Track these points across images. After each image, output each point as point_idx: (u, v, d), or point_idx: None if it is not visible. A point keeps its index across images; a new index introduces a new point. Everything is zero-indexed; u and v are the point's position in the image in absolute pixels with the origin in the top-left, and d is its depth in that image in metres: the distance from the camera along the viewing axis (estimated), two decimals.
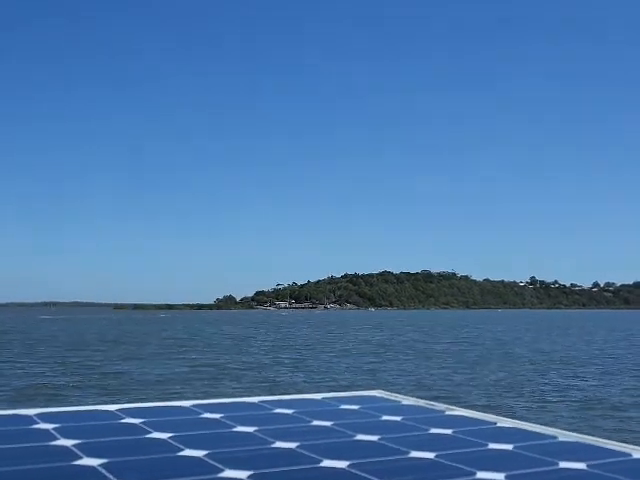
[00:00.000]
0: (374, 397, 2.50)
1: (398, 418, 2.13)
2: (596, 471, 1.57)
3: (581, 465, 1.62)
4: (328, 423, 2.03)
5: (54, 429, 1.91)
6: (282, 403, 2.35)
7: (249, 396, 2.49)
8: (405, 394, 2.58)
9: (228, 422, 2.04)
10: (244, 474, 1.50)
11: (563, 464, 1.63)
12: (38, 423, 1.98)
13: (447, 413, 2.23)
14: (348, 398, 2.46)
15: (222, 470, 1.53)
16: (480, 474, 1.54)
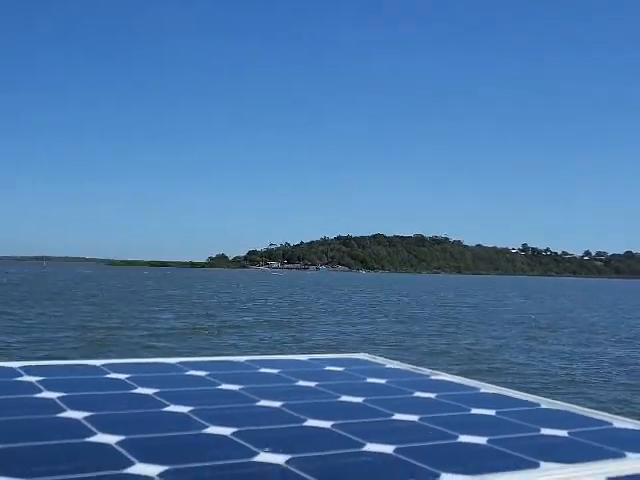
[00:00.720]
0: (359, 360, 2.50)
1: (382, 381, 2.13)
2: (577, 438, 1.58)
3: (562, 432, 1.62)
4: (312, 384, 2.03)
5: (38, 382, 1.90)
6: (267, 363, 2.34)
7: (234, 355, 2.49)
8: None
9: (213, 380, 2.03)
10: (228, 431, 1.50)
11: (545, 431, 1.63)
12: (22, 375, 1.97)
13: (431, 377, 2.24)
14: (333, 360, 2.46)
15: (206, 426, 1.53)
16: (462, 437, 1.54)
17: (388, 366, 2.40)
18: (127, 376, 2.03)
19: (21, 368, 2.07)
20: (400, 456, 1.38)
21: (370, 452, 1.40)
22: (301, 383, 2.04)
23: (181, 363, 2.28)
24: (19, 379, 1.93)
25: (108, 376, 2.02)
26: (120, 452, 1.33)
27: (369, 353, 2.64)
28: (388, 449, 1.42)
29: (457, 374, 2.34)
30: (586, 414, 1.82)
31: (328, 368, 2.30)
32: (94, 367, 2.16)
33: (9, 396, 1.73)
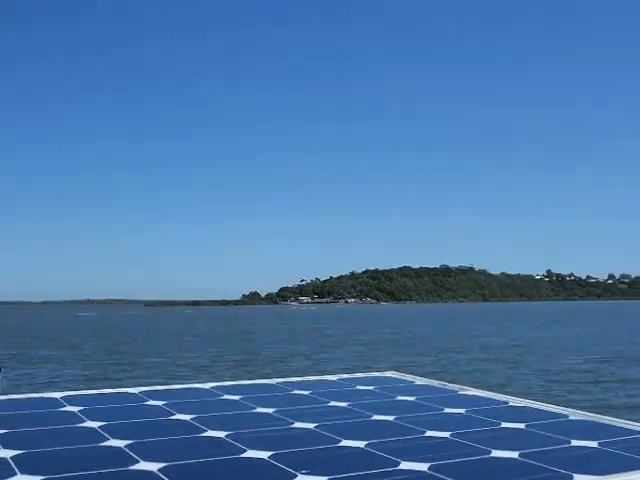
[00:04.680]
0: (388, 378, 2.47)
1: (412, 398, 2.10)
2: (607, 449, 1.54)
3: (593, 443, 1.59)
4: (345, 404, 2.01)
5: (80, 411, 1.89)
6: (299, 385, 2.32)
7: (266, 378, 2.47)
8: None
9: (248, 403, 2.01)
10: (265, 454, 1.48)
11: (575, 442, 1.60)
12: (64, 406, 1.97)
13: (460, 393, 2.20)
14: (363, 379, 2.44)
15: (244, 450, 1.51)
16: (495, 452, 1.51)
17: (417, 383, 2.37)
18: (164, 403, 2.01)
19: (63, 398, 2.07)
20: (435, 474, 1.35)
21: (405, 470, 1.38)
22: (333, 403, 2.01)
23: (215, 388, 2.27)
24: (62, 409, 1.92)
25: (146, 403, 2.01)
26: (162, 479, 1.31)
27: (397, 371, 2.61)
28: (423, 467, 1.40)
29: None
30: (614, 424, 1.78)
31: (358, 387, 2.27)
32: (132, 395, 2.15)
33: (53, 426, 1.72)
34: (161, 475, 1.33)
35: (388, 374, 2.55)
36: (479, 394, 2.18)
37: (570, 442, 1.60)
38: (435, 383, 2.37)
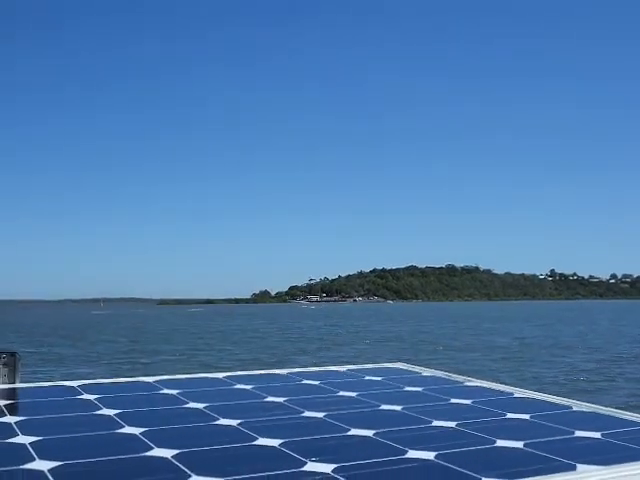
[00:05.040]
0: (396, 369, 2.50)
1: (419, 389, 2.13)
2: (610, 440, 1.57)
3: (596, 434, 1.61)
4: (353, 394, 2.04)
5: (96, 399, 1.94)
6: (309, 375, 2.36)
7: (277, 368, 2.51)
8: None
9: (259, 392, 2.05)
10: (276, 442, 1.52)
11: (579, 433, 1.63)
12: (82, 394, 2.01)
13: (466, 384, 2.23)
14: (371, 370, 2.47)
15: (256, 438, 1.55)
16: (500, 442, 1.54)
17: (424, 374, 2.40)
18: (178, 391, 2.06)
19: (80, 387, 2.11)
20: (441, 462, 1.39)
21: (412, 459, 1.41)
22: (342, 393, 2.05)
23: (228, 377, 2.31)
24: (79, 397, 1.97)
25: (161, 392, 2.06)
26: (177, 465, 1.35)
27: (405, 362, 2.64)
28: (429, 455, 1.43)
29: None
30: (617, 415, 1.81)
31: (367, 378, 2.31)
32: (147, 383, 2.19)
33: (71, 414, 1.77)
34: (174, 461, 1.37)
35: (396, 365, 2.58)
36: (485, 385, 2.21)
37: (574, 433, 1.63)
38: (441, 374, 2.40)
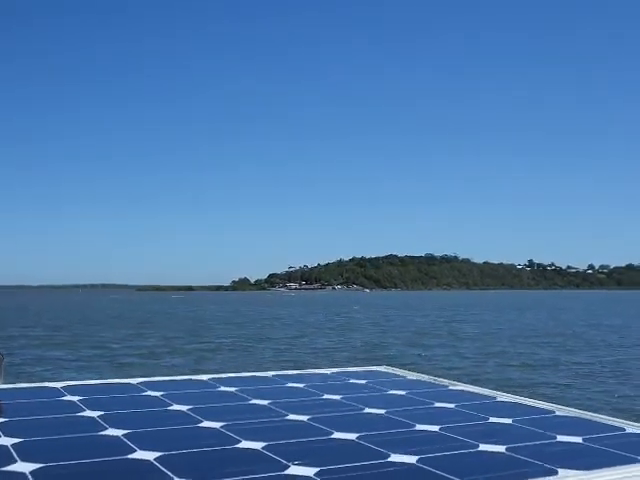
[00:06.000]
0: (381, 372, 2.50)
1: (403, 392, 2.12)
2: (592, 445, 1.57)
3: (577, 439, 1.61)
4: (337, 397, 2.03)
5: (79, 401, 1.92)
6: (294, 378, 2.35)
7: (262, 371, 2.49)
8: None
9: (243, 395, 2.04)
10: (259, 445, 1.50)
11: (560, 437, 1.62)
12: (65, 395, 1.99)
13: (450, 388, 2.23)
14: (356, 373, 2.46)
15: (239, 441, 1.53)
16: (482, 446, 1.53)
17: (408, 378, 2.40)
18: (162, 393, 2.04)
19: (63, 388, 2.09)
20: (423, 466, 1.38)
21: (395, 462, 1.40)
22: (327, 396, 2.04)
23: (212, 379, 2.29)
24: (62, 399, 1.95)
25: (144, 394, 2.04)
26: (159, 468, 1.33)
27: (390, 365, 2.64)
28: (412, 459, 1.42)
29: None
30: (599, 420, 1.81)
31: (351, 381, 2.30)
32: (131, 385, 2.17)
33: (54, 415, 1.75)
34: (157, 464, 1.36)
35: (381, 369, 2.58)
36: (469, 389, 2.21)
37: (556, 437, 1.63)
38: (426, 378, 2.40)
